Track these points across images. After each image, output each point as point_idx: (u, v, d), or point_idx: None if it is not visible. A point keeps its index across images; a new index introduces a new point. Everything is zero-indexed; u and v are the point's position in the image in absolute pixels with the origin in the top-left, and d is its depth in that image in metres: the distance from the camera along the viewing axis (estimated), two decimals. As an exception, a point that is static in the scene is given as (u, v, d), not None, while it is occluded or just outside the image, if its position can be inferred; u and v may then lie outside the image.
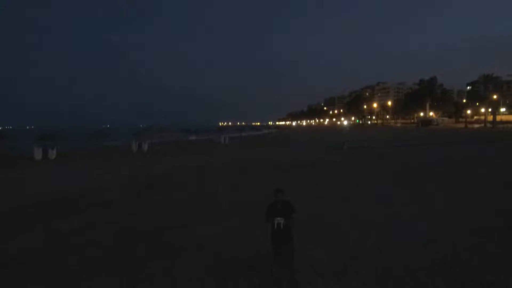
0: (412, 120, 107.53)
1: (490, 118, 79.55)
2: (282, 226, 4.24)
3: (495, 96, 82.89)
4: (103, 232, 7.27)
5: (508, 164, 15.31)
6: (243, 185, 12.05)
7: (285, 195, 4.38)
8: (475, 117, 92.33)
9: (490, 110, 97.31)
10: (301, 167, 16.32)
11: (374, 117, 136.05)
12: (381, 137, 43.26)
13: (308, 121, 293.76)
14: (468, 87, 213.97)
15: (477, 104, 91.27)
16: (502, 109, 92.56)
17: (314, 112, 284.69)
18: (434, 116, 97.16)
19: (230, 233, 6.73)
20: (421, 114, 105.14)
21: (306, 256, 5.21)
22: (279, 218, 4.26)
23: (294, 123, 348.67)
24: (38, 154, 24.03)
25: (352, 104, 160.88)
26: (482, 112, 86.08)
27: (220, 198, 9.57)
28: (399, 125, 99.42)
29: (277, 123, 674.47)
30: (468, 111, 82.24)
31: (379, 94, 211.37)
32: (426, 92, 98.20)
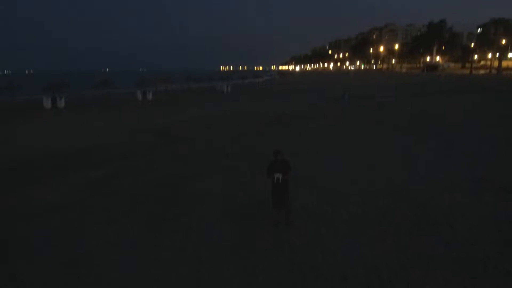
0: (419, 65, 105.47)
1: (497, 64, 77.69)
2: (280, 181, 5.25)
3: (504, 41, 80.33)
4: (126, 182, 8.36)
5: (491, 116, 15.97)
6: (247, 138, 12.99)
7: (283, 155, 5.33)
8: (482, 62, 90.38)
9: (497, 55, 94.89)
10: (300, 118, 17.10)
11: (380, 62, 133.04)
12: (383, 85, 43.36)
13: (313, 65, 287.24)
14: (479, 30, 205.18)
15: (485, 49, 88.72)
16: (511, 54, 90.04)
17: (318, 56, 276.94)
18: (440, 61, 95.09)
19: (238, 182, 7.82)
20: (428, 58, 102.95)
21: (300, 203, 6.32)
22: (277, 174, 5.25)
23: (297, 68, 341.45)
24: (47, 103, 24.84)
25: (358, 48, 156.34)
26: (489, 58, 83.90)
27: (226, 150, 10.56)
28: (404, 70, 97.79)
29: (280, 67, 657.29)
30: (476, 56, 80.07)
31: (386, 37, 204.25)
32: (434, 36, 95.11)
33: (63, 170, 9.53)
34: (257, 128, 14.95)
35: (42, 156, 11.19)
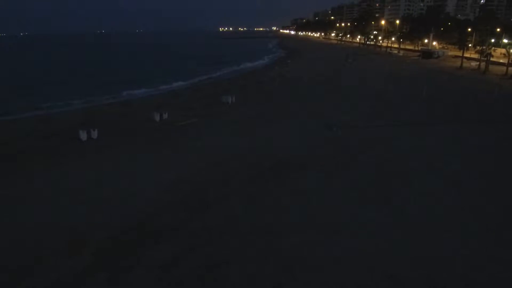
0: (417, 47, 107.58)
1: (498, 52, 75.00)
2: None
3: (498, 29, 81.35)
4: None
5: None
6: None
7: None
8: (478, 48, 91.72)
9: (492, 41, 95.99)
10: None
11: (380, 38, 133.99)
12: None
13: (314, 34, 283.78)
14: (482, 1, 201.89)
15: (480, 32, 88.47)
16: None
17: (320, 24, 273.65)
18: (437, 46, 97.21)
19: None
20: (426, 41, 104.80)
21: None
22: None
23: (300, 33, 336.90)
24: (83, 135, 29.50)
25: (360, 22, 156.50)
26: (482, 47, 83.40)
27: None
28: (401, 54, 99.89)
29: (281, 31, 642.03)
30: (470, 45, 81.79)
31: (389, 7, 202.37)
32: (431, 20, 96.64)
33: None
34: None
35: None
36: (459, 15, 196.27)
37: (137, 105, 43.72)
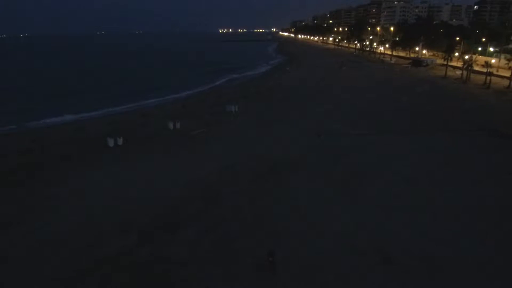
0: (409, 55, 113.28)
1: (480, 59, 78.09)
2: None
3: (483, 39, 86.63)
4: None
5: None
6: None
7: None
8: (460, 57, 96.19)
9: (479, 49, 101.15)
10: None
11: (375, 45, 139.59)
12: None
13: (312, 37, 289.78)
14: (476, 7, 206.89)
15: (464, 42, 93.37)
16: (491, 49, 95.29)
17: (319, 28, 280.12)
18: (427, 54, 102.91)
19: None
20: (417, 48, 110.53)
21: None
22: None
23: (300, 36, 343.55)
24: (111, 142, 35.07)
25: (356, 29, 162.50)
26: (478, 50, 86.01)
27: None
28: (393, 61, 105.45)
29: (280, 33, 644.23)
30: (456, 54, 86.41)
31: (385, 13, 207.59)
32: (421, 30, 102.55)
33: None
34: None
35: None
36: (454, 20, 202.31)
37: (151, 114, 49.28)
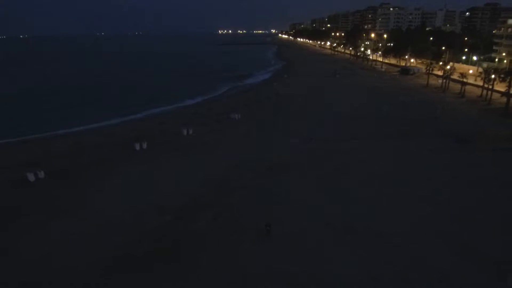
0: (400, 62, 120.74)
1: (460, 68, 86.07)
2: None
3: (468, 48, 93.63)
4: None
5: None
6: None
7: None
8: (451, 65, 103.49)
9: (463, 58, 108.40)
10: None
11: (368, 51, 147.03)
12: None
13: (311, 41, 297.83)
14: (468, 13, 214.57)
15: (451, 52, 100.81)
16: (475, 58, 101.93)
17: (317, 32, 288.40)
18: (415, 63, 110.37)
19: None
20: (406, 56, 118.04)
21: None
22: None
23: (299, 39, 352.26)
24: (137, 146, 42.43)
25: (351, 35, 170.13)
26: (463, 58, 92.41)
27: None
28: (383, 69, 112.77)
29: (280, 35, 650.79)
30: (441, 63, 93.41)
31: (380, 19, 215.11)
32: (411, 37, 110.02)
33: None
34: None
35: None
36: (448, 25, 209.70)
37: (166, 121, 56.71)
